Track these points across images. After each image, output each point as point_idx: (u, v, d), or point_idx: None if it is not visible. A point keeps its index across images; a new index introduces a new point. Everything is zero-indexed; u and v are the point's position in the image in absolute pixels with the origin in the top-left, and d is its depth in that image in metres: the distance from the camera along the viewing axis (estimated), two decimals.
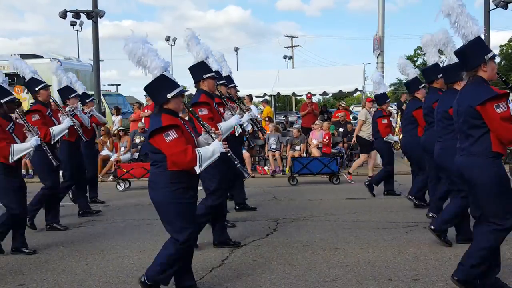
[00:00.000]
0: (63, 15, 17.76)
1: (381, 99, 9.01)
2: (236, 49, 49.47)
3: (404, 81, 11.08)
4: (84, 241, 6.28)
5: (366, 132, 10.57)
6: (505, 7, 15.76)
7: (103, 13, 16.36)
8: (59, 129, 6.89)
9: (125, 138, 13.11)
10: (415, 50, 59.35)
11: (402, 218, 7.15)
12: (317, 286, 4.52)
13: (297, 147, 12.94)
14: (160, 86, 3.99)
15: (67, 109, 7.51)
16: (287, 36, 50.17)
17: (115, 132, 13.64)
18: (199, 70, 5.75)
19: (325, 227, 6.59)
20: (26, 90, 18.32)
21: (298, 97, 28.82)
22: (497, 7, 15.83)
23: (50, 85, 7.40)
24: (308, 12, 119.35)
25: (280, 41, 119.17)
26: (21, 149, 5.63)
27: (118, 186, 10.93)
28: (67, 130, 7.07)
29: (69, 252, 5.83)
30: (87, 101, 8.78)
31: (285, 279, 4.71)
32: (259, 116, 8.85)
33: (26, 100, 16.65)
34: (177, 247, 4.02)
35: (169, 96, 3.95)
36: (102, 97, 17.85)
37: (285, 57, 48.48)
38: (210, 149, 4.03)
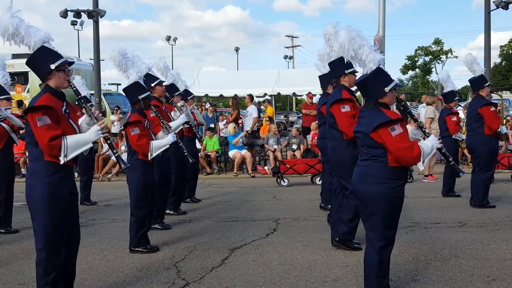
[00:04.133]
0: (64, 14, 17.76)
1: (449, 97, 8.96)
2: (237, 49, 49.54)
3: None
4: (85, 240, 6.25)
5: (434, 130, 10.50)
6: (505, 7, 15.75)
7: (103, 12, 16.39)
8: (175, 126, 6.88)
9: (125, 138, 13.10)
10: (416, 50, 59.39)
11: (402, 218, 7.12)
12: (317, 286, 4.52)
13: (294, 146, 12.94)
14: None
15: (178, 104, 7.53)
16: (288, 36, 50.28)
17: (117, 132, 13.65)
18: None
19: (326, 227, 6.58)
20: (26, 89, 18.59)
21: (299, 97, 28.84)
22: (497, 7, 15.82)
23: (164, 81, 7.45)
24: (306, 12, 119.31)
25: (281, 41, 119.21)
26: (159, 146, 5.70)
27: (282, 182, 10.88)
28: (182, 126, 7.17)
29: None
30: (189, 98, 8.56)
31: (285, 279, 4.71)
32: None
33: (27, 99, 16.67)
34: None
35: (386, 89, 3.78)
36: (102, 96, 17.86)
37: (285, 57, 48.57)
38: (429, 145, 3.86)
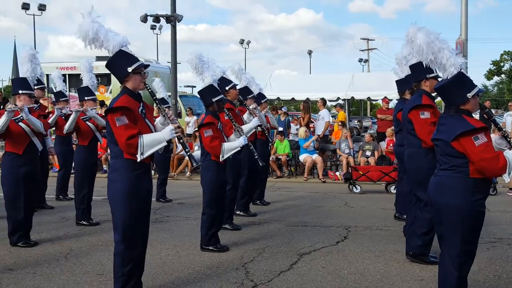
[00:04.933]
0: (144, 19, 18.49)
1: None
2: (310, 52, 49.34)
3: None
4: (159, 236, 6.47)
5: None
6: None
7: (181, 17, 16.90)
8: (247, 129, 6.97)
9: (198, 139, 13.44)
10: (501, 55, 56.30)
11: (483, 233, 6.77)
12: None
13: (367, 153, 12.69)
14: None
15: (251, 107, 7.61)
16: (363, 38, 49.39)
17: (192, 133, 14.02)
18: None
19: (400, 238, 6.40)
20: (109, 90, 19.47)
21: (373, 102, 28.26)
22: None
23: (238, 84, 7.58)
24: (382, 14, 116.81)
25: (355, 43, 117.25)
26: (230, 148, 5.81)
27: (354, 189, 10.76)
28: (254, 130, 7.28)
29: None
30: (262, 101, 8.67)
31: None
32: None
33: (109, 99, 17.48)
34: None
35: (469, 95, 3.63)
36: (178, 98, 18.38)
37: (360, 60, 47.80)
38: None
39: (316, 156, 12.95)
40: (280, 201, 9.62)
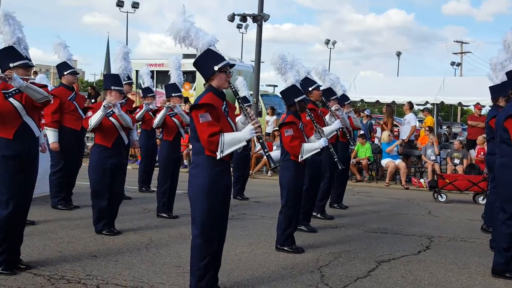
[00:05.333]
0: (231, 18, 18.77)
1: None
2: (399, 54, 47.93)
3: None
4: (235, 233, 6.52)
5: None
6: None
7: (267, 16, 16.97)
8: (329, 131, 6.94)
9: (278, 138, 13.46)
10: None
11: None
12: None
13: (456, 161, 12.07)
14: None
15: (333, 108, 7.57)
16: (456, 41, 47.15)
17: (271, 132, 14.07)
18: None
19: (486, 251, 6.02)
20: (193, 87, 20.03)
21: (465, 107, 26.91)
22: None
23: (321, 86, 7.51)
24: (478, 17, 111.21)
25: (448, 46, 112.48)
26: (310, 149, 5.75)
27: (439, 197, 10.32)
28: (336, 132, 7.26)
29: None
30: (346, 103, 8.53)
31: None
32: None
33: (193, 96, 17.97)
34: None
35: None
36: (260, 97, 18.52)
37: (452, 63, 45.76)
38: None
39: (399, 162, 12.53)
40: (359, 205, 9.40)
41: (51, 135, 7.43)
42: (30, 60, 4.78)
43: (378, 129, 14.40)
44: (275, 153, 11.97)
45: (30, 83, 4.58)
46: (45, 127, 7.43)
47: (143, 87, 10.02)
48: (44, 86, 4.80)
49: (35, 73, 12.27)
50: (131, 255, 5.40)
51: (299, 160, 5.73)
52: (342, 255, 5.77)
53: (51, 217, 7.06)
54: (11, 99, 4.56)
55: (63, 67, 7.68)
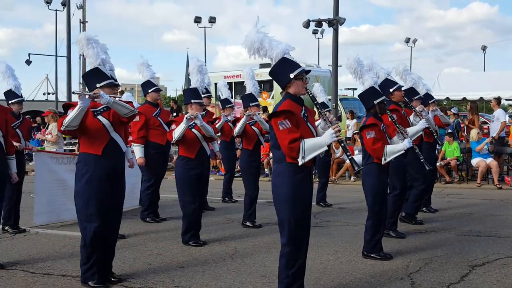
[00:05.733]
0: (306, 24, 18.73)
1: None
2: (484, 48, 45.56)
3: None
4: (319, 240, 6.43)
5: None
6: None
7: (343, 20, 16.77)
8: (413, 131, 6.74)
9: (358, 142, 13.20)
10: None
11: None
12: None
13: None
14: None
15: (417, 109, 7.38)
16: None
17: (351, 136, 13.83)
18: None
19: None
20: (271, 96, 20.17)
21: None
22: None
23: (403, 86, 7.34)
24: None
25: None
26: (394, 150, 5.60)
27: None
28: (420, 133, 7.06)
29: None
30: (430, 102, 8.24)
31: None
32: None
33: (271, 105, 18.08)
34: None
35: None
36: (339, 102, 18.28)
37: None
38: None
39: (490, 160, 11.83)
40: (449, 208, 8.96)
41: (138, 151, 7.75)
42: (115, 80, 5.02)
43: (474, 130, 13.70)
44: (358, 158, 11.75)
45: (116, 100, 4.79)
46: (132, 143, 7.78)
47: (221, 99, 10.22)
48: (129, 102, 5.01)
49: (122, 92, 12.90)
50: (217, 265, 5.47)
51: (383, 163, 5.56)
52: (433, 261, 5.51)
53: (140, 230, 7.34)
54: (99, 117, 4.75)
55: (147, 85, 8.02)
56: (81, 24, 28.58)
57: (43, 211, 7.41)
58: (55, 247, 6.32)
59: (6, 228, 7.09)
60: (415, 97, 7.56)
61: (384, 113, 5.90)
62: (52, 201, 7.52)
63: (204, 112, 7.55)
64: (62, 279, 4.99)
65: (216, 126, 8.47)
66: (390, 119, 6.11)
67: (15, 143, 6.69)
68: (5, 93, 7.27)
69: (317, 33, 36.10)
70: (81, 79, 25.60)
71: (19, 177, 6.48)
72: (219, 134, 9.54)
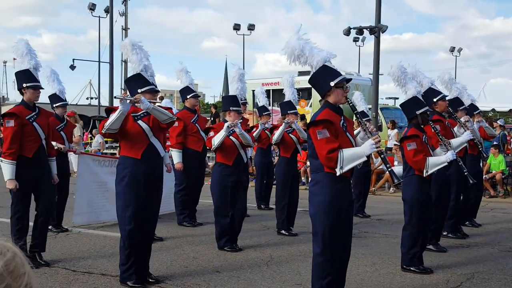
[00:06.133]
0: (347, 32, 18.58)
1: None
2: None
3: None
4: (357, 251, 6.31)
5: None
6: None
7: (385, 27, 16.55)
8: (457, 143, 6.56)
9: (399, 153, 12.95)
10: None
11: None
12: None
13: None
14: None
15: (462, 119, 7.18)
16: None
17: (392, 147, 13.59)
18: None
19: None
20: (309, 104, 20.08)
21: None
22: None
23: (447, 95, 7.22)
24: None
25: None
26: (436, 163, 5.42)
27: None
28: (466, 144, 6.89)
29: None
30: (475, 113, 8.09)
31: None
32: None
33: (309, 113, 17.99)
34: None
35: None
36: (379, 111, 18.03)
37: None
38: None
39: None
40: (494, 223, 8.67)
41: (175, 156, 7.83)
42: (156, 86, 5.10)
43: None
44: (398, 169, 11.54)
45: (156, 106, 4.86)
46: (170, 148, 7.86)
47: (259, 106, 10.24)
48: (169, 109, 5.08)
49: (161, 98, 13.09)
50: (252, 271, 5.45)
51: (424, 175, 5.41)
52: (475, 276, 5.33)
53: (177, 233, 7.40)
54: (139, 122, 4.83)
55: (185, 91, 8.11)
56: (123, 30, 29.18)
57: (83, 211, 7.58)
58: (96, 247, 6.44)
59: (50, 227, 7.27)
60: (461, 108, 7.35)
61: (427, 123, 5.76)
62: (92, 202, 7.69)
63: (241, 120, 7.59)
64: (102, 278, 5.09)
65: (254, 134, 8.48)
66: (433, 130, 5.96)
67: (59, 145, 6.88)
68: (49, 97, 7.50)
69: (358, 40, 35.77)
70: (123, 84, 26.21)
71: (64, 178, 6.65)
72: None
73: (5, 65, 64.86)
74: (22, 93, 5.49)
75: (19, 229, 5.34)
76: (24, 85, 5.41)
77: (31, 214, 5.53)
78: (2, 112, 9.23)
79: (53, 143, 6.26)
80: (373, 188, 12.83)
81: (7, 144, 5.28)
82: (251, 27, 35.73)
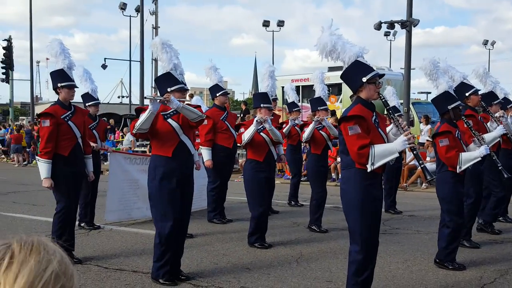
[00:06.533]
0: (378, 26, 18.37)
1: None
2: None
3: None
4: (388, 248, 6.26)
5: None
6: None
7: (417, 21, 16.28)
8: (490, 138, 6.43)
9: (431, 149, 12.74)
10: None
11: None
12: None
13: None
14: None
15: (497, 114, 7.03)
16: None
17: (424, 142, 13.38)
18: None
19: None
20: (339, 100, 19.91)
21: None
22: None
23: (479, 90, 7.01)
24: None
25: None
26: (469, 158, 5.32)
27: None
28: (499, 139, 6.80)
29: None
30: (508, 107, 7.90)
31: None
32: None
33: (339, 109, 17.86)
34: None
35: None
36: (411, 106, 17.76)
37: None
38: None
39: None
40: None
41: (205, 154, 7.89)
42: (185, 84, 5.14)
43: None
44: (429, 165, 11.36)
45: (186, 104, 4.91)
46: (200, 146, 7.92)
47: (288, 102, 10.21)
48: (198, 107, 5.13)
49: (191, 95, 13.20)
50: (282, 268, 5.46)
51: (458, 171, 5.32)
52: (509, 272, 5.23)
53: (207, 230, 7.46)
54: (169, 120, 4.88)
55: (215, 89, 8.15)
56: (154, 29, 29.53)
57: (114, 209, 7.71)
58: (127, 244, 6.55)
59: (82, 224, 7.43)
60: (495, 102, 7.18)
61: (459, 119, 5.65)
62: (124, 199, 7.81)
63: (271, 116, 7.60)
64: (133, 275, 5.17)
65: (284, 130, 8.48)
66: (465, 125, 5.85)
67: (92, 144, 7.02)
68: (82, 96, 7.65)
69: (389, 35, 35.21)
70: (154, 82, 26.47)
71: (95, 176, 6.78)
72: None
73: (38, 65, 66.46)
74: (57, 93, 5.61)
75: (61, 226, 5.46)
76: (59, 84, 5.52)
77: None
78: (37, 111, 9.42)
79: None
80: (405, 184, 12.67)
81: (43, 144, 5.41)
82: (280, 23, 35.59)
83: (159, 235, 4.84)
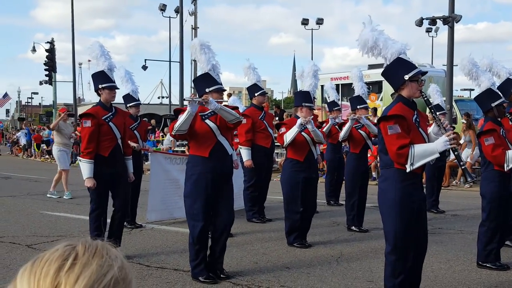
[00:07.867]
0: (419, 23, 18.04)
1: None
2: None
3: None
4: (431, 248, 6.09)
5: None
6: None
7: (459, 17, 15.92)
8: None
9: (467, 132, 12.48)
10: None
11: None
12: None
13: None
14: None
15: None
16: None
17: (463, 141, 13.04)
18: None
19: None
20: (380, 98, 19.62)
21: None
22: None
23: None
24: None
25: None
26: None
27: None
28: None
29: None
30: None
31: None
32: None
33: (380, 107, 17.60)
34: None
35: None
36: (453, 103, 17.34)
37: None
38: None
39: None
40: None
41: (244, 153, 7.93)
42: (221, 85, 5.19)
43: None
44: (466, 151, 11.13)
45: (223, 105, 4.95)
46: (239, 145, 7.96)
47: (328, 101, 10.14)
48: (235, 108, 5.16)
49: (229, 95, 13.29)
50: (322, 268, 5.43)
51: (506, 169, 5.17)
52: None
53: (247, 229, 7.50)
54: (207, 121, 4.94)
55: (253, 88, 8.18)
56: (193, 30, 29.87)
57: (156, 208, 7.84)
58: (168, 242, 6.66)
59: (125, 223, 7.59)
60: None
61: (504, 116, 5.49)
62: (165, 199, 7.93)
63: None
64: (175, 273, 5.25)
65: (324, 129, 8.44)
66: (510, 123, 5.67)
67: (133, 144, 7.16)
68: (123, 97, 7.81)
69: (430, 31, 34.50)
70: (192, 83, 26.79)
71: (137, 176, 6.91)
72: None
73: (80, 67, 68.29)
74: (99, 94, 5.75)
75: (98, 225, 5.59)
76: (100, 86, 5.65)
77: (109, 211, 5.79)
78: (79, 112, 9.68)
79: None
80: (454, 182, 12.36)
81: (85, 144, 5.56)
82: (319, 22, 35.29)
83: (191, 235, 4.91)
